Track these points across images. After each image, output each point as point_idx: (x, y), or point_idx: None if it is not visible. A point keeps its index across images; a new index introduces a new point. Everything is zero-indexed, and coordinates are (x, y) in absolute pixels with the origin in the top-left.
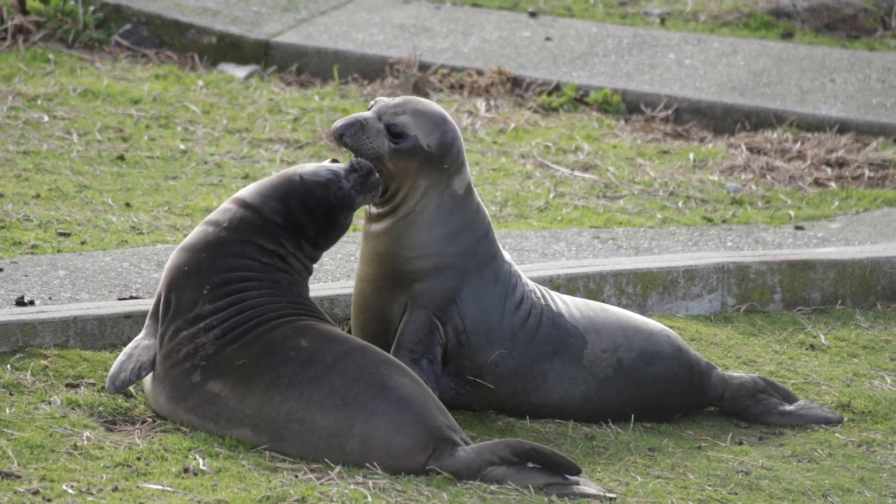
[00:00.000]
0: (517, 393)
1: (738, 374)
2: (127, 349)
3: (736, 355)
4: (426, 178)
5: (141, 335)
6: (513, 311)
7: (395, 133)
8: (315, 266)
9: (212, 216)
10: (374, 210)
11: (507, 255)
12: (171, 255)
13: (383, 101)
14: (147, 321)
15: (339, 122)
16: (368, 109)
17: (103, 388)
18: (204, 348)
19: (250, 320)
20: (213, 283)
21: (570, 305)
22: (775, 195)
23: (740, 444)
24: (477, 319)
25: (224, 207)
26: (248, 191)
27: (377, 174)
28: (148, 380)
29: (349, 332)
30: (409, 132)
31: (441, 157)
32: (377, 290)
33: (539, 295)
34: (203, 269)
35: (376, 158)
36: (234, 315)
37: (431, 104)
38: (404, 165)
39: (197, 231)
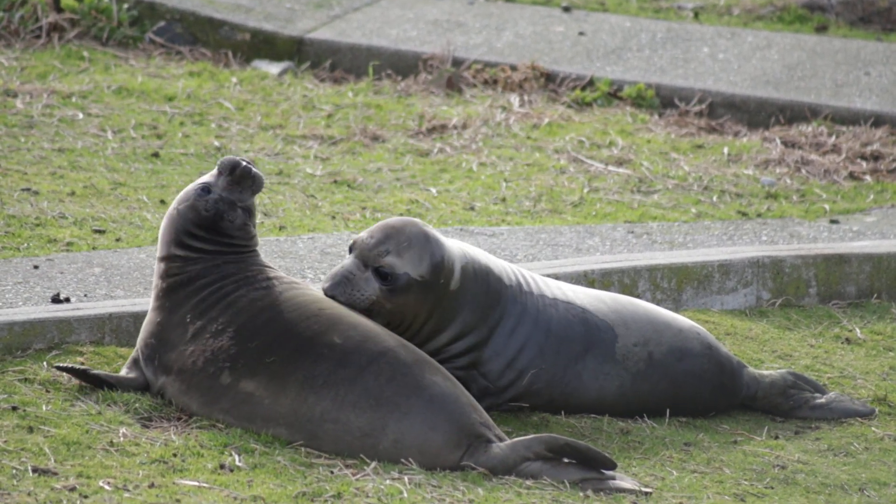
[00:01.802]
0: (554, 399)
1: (768, 372)
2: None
3: (771, 349)
4: (427, 302)
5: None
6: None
7: (384, 276)
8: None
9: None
10: None
11: (508, 277)
12: (144, 322)
13: (361, 240)
14: (125, 367)
15: (326, 283)
16: (349, 252)
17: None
18: (223, 351)
19: (260, 314)
20: (190, 307)
21: (594, 299)
22: (810, 189)
23: (776, 438)
24: (499, 369)
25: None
26: (158, 244)
27: (245, 164)
28: (175, 397)
29: None
30: (398, 271)
31: (436, 279)
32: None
33: (553, 296)
34: (173, 310)
35: (374, 303)
36: (239, 314)
37: (409, 228)
38: (403, 301)
39: (152, 295)
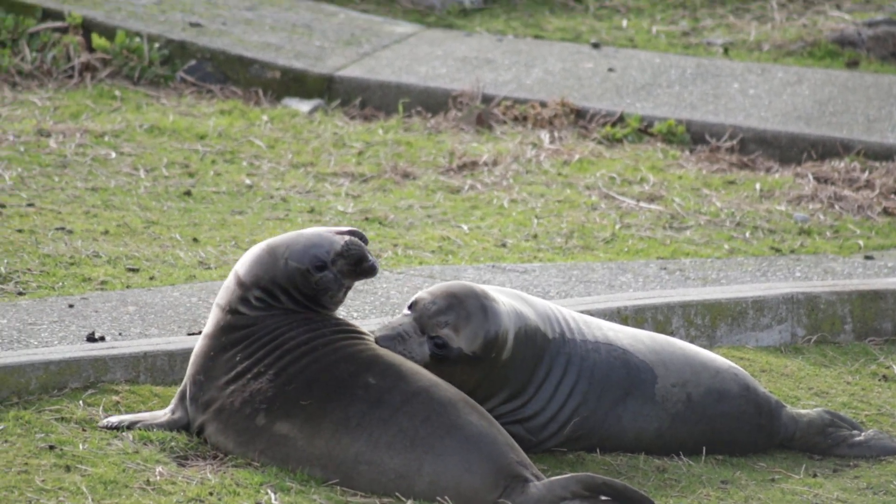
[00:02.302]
0: (593, 444)
1: (805, 411)
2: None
3: (807, 387)
4: (475, 374)
5: (163, 410)
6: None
7: (438, 346)
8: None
9: (219, 296)
10: None
11: (552, 329)
12: (196, 345)
13: (423, 304)
14: (172, 403)
15: (381, 332)
16: (408, 310)
17: None
18: (260, 393)
19: (303, 357)
20: (242, 347)
21: (633, 339)
22: (844, 225)
23: (814, 476)
24: (543, 423)
25: (226, 284)
26: (243, 264)
27: (371, 261)
28: (212, 437)
29: None
30: (451, 344)
31: (487, 355)
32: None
33: (594, 339)
34: (226, 346)
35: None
36: (283, 356)
37: (471, 301)
38: (450, 371)
39: (211, 315)
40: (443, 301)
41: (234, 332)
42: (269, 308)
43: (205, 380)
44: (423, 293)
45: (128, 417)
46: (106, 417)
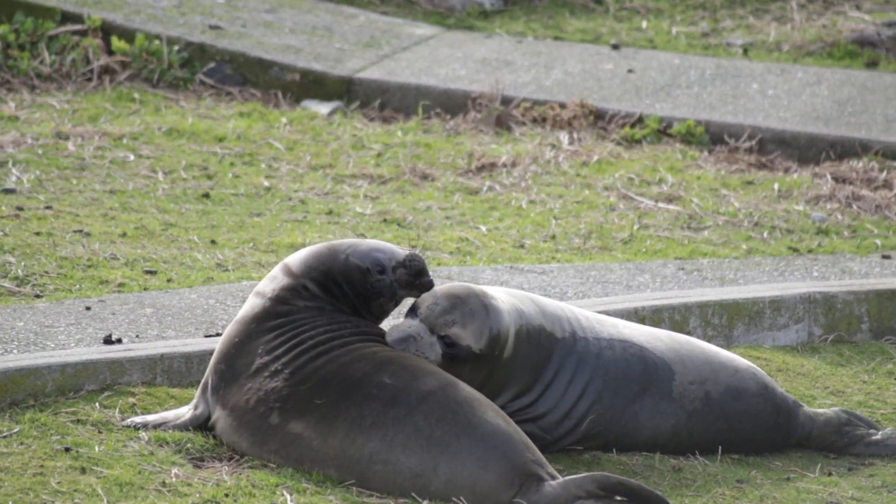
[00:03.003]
0: (609, 441)
1: (822, 410)
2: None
3: (823, 386)
4: (480, 373)
5: (186, 407)
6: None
7: (448, 345)
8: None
9: (259, 285)
10: None
11: (562, 329)
12: (224, 332)
13: (427, 306)
14: (195, 398)
15: (393, 336)
16: (413, 312)
17: None
18: (275, 391)
19: (319, 357)
20: (266, 340)
21: (651, 336)
22: (861, 224)
23: (829, 474)
24: (557, 420)
25: (271, 275)
26: (296, 258)
27: (429, 277)
28: (226, 434)
29: None
30: (461, 342)
31: (491, 352)
32: None
33: (609, 336)
34: (253, 336)
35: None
36: (300, 355)
37: (472, 300)
38: (458, 371)
39: (247, 302)
40: (446, 301)
41: (265, 322)
42: (312, 299)
43: (226, 368)
44: (424, 296)
45: (151, 418)
46: (128, 419)
